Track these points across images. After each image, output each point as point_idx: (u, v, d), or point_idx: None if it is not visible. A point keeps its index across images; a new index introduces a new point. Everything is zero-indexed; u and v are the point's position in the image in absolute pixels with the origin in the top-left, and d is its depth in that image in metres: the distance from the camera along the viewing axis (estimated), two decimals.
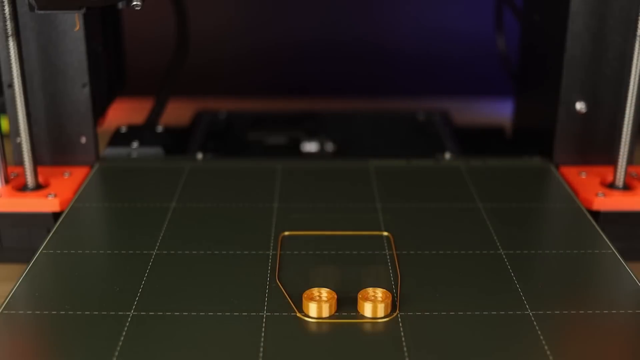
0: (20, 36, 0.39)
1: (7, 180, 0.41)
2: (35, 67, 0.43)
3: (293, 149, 0.52)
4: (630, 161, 0.42)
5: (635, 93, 0.40)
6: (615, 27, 0.43)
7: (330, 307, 0.30)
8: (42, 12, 0.38)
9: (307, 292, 0.31)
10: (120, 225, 0.39)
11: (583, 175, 0.44)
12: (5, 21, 0.39)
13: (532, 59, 0.52)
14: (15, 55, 0.39)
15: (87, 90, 0.44)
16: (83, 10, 0.38)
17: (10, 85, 0.42)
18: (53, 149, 0.45)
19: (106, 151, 0.48)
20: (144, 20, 0.62)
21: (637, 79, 0.40)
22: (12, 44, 0.39)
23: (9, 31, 0.39)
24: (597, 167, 0.45)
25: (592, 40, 0.43)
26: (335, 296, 0.31)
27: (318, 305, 0.30)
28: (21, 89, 0.40)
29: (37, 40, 0.43)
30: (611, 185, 0.42)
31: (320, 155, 0.51)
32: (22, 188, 0.41)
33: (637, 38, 0.39)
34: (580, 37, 0.43)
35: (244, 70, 0.72)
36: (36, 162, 0.41)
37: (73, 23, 0.42)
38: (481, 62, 0.67)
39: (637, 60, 0.39)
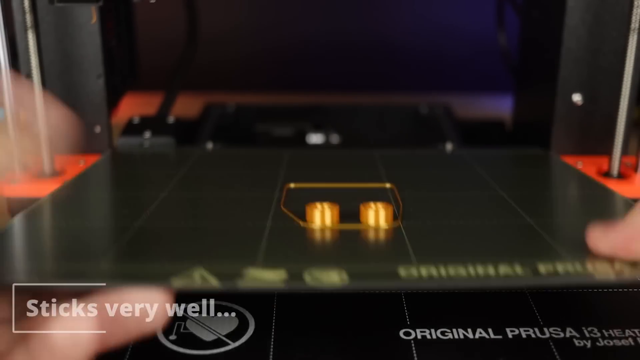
0: (39, 29, 0.41)
1: (25, 168, 0.43)
2: (52, 58, 0.45)
3: (299, 141, 0.54)
4: (625, 151, 0.43)
5: (629, 85, 0.41)
6: (610, 22, 0.44)
7: (333, 216, 0.30)
8: (60, 4, 0.40)
9: (310, 204, 0.31)
10: (130, 183, 0.40)
11: (580, 165, 0.45)
12: (24, 14, 0.40)
13: (531, 54, 0.53)
14: (34, 47, 0.41)
15: (101, 81, 0.45)
16: (100, 3, 0.40)
17: (29, 76, 0.43)
18: None
19: (120, 140, 0.49)
20: (155, 17, 0.64)
21: (631, 71, 0.41)
22: (31, 36, 0.41)
23: (28, 24, 0.40)
24: (594, 157, 0.46)
25: (588, 34, 0.45)
26: (338, 207, 0.31)
27: (321, 214, 0.30)
28: (39, 79, 0.41)
29: (54, 32, 0.44)
30: (606, 174, 0.44)
31: (325, 146, 0.53)
32: (40, 175, 0.43)
33: (631, 32, 0.41)
34: (576, 32, 0.45)
35: (253, 66, 0.73)
36: (53, 149, 0.43)
37: (89, 16, 0.44)
38: (482, 59, 0.69)
39: (632, 53, 0.41)
